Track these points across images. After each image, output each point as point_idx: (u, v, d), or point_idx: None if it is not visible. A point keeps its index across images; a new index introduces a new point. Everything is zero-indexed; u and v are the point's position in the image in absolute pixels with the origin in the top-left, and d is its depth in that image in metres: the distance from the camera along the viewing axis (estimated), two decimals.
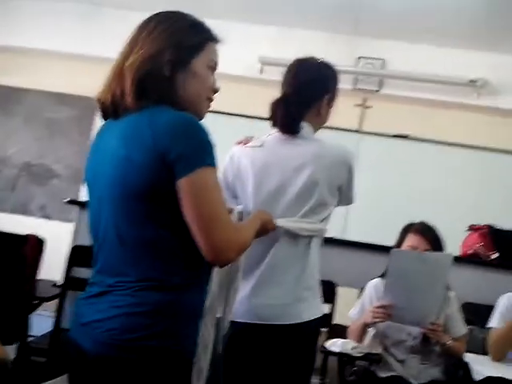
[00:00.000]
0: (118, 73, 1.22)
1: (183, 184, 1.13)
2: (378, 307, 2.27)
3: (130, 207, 1.17)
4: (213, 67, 1.29)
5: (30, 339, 2.90)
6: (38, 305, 2.86)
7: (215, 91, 1.31)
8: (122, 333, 1.13)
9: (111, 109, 1.23)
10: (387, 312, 2.24)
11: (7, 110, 4.52)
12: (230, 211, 1.48)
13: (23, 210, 4.43)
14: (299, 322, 1.62)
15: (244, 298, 1.61)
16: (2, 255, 3.11)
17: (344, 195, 1.73)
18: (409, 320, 2.30)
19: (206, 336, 1.31)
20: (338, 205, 1.74)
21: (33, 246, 3.05)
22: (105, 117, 1.28)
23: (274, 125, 1.71)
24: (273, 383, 1.64)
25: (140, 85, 1.19)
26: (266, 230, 1.52)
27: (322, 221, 1.67)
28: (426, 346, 2.38)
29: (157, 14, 1.28)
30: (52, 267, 3.04)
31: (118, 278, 1.18)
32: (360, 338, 2.37)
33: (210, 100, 1.30)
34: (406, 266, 2.19)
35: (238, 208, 1.61)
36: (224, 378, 1.61)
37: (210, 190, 1.15)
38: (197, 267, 1.21)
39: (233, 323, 1.58)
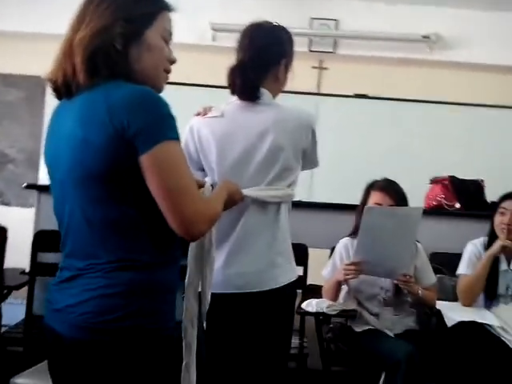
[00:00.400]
0: (68, 50, 1.16)
1: (146, 160, 1.09)
2: (349, 264, 2.31)
3: (91, 188, 1.14)
4: (167, 37, 1.24)
5: (4, 329, 2.85)
6: (8, 294, 2.80)
7: (172, 62, 1.26)
8: (96, 315, 1.11)
9: (64, 88, 1.18)
10: (358, 268, 2.29)
11: None
12: (202, 185, 1.45)
13: None
14: (275, 287, 1.63)
15: (218, 268, 1.60)
16: None
17: (308, 158, 1.73)
18: (381, 273, 2.36)
19: (190, 310, 1.31)
20: (303, 169, 1.74)
21: None
22: (58, 97, 1.22)
23: (233, 92, 1.68)
24: (255, 350, 1.66)
25: (91, 61, 1.14)
26: (233, 201, 1.50)
27: (288, 186, 1.67)
28: (398, 297, 2.46)
29: None
30: (17, 254, 2.95)
31: (88, 260, 1.15)
32: (335, 296, 2.42)
33: (168, 71, 1.26)
34: (378, 222, 2.22)
35: (208, 180, 1.59)
36: (206, 350, 1.63)
37: (175, 164, 1.12)
38: (167, 244, 1.19)
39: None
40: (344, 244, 2.52)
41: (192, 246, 1.37)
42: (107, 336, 1.11)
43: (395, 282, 2.38)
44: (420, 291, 2.37)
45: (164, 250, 1.19)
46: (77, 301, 1.14)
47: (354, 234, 2.49)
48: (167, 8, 1.24)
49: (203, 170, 1.71)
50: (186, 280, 1.34)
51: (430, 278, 2.50)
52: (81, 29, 1.16)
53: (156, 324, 1.16)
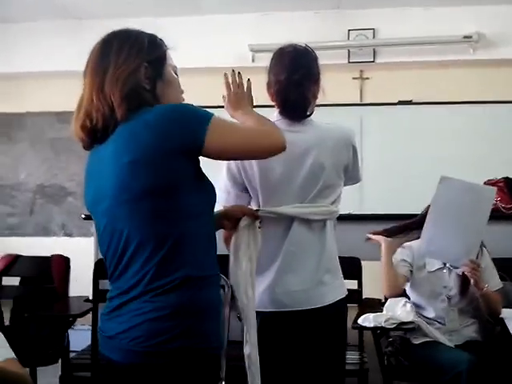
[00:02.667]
0: (99, 93, 1.25)
1: (208, 143, 1.22)
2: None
3: (140, 208, 1.19)
4: (176, 72, 1.40)
5: (72, 355, 2.97)
6: (73, 321, 2.92)
7: (181, 93, 1.41)
8: (147, 339, 1.17)
9: (102, 130, 1.25)
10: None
11: (11, 137, 4.56)
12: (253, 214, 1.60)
13: (45, 231, 4.49)
14: (323, 305, 1.64)
15: (267, 288, 1.64)
16: (32, 278, 3.18)
17: (350, 175, 1.74)
18: (448, 257, 2.25)
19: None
20: (346, 184, 1.75)
21: (59, 266, 3.12)
22: (91, 144, 1.30)
23: (282, 110, 1.69)
24: (307, 368, 1.67)
25: (128, 98, 1.24)
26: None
27: (332, 203, 1.69)
28: (463, 296, 2.36)
29: (112, 33, 1.33)
30: (82, 283, 3.08)
31: (135, 288, 1.21)
32: (392, 278, 2.38)
33: (182, 101, 1.40)
34: (453, 194, 2.13)
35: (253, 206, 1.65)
36: (261, 369, 1.65)
37: (229, 125, 1.31)
38: (207, 262, 1.25)
39: (259, 313, 1.61)
40: (400, 250, 2.46)
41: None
42: (159, 358, 1.17)
43: (462, 268, 2.25)
44: (487, 286, 2.26)
45: (205, 269, 1.24)
46: (127, 327, 1.19)
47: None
48: (168, 47, 1.39)
49: (247, 191, 1.73)
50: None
51: (496, 281, 2.40)
52: (109, 73, 1.26)
53: (203, 344, 1.21)
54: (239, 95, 1.58)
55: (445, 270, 2.41)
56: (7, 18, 4.24)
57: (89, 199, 1.33)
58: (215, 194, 1.33)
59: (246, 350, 1.57)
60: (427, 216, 2.25)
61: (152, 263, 1.19)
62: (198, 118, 1.24)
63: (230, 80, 1.60)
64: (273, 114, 1.73)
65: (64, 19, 4.25)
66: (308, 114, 1.69)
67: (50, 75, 4.30)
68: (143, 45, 1.30)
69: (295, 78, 1.66)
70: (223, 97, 1.61)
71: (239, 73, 1.60)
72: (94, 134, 1.27)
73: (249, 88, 1.61)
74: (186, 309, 1.19)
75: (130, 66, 1.27)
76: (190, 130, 1.21)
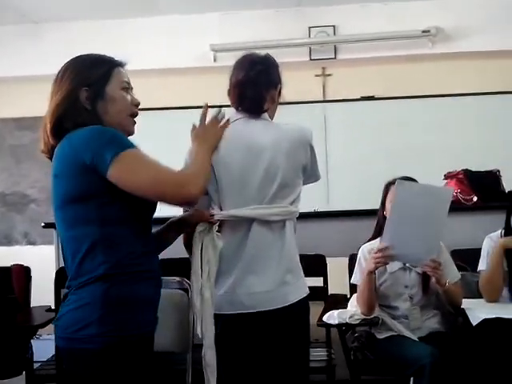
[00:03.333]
0: (44, 124, 1.41)
1: (112, 175, 1.30)
2: (378, 251, 2.24)
3: (63, 214, 1.36)
4: (126, 87, 1.46)
5: (36, 365, 2.91)
6: (35, 332, 2.86)
7: (137, 105, 1.48)
8: (69, 326, 1.34)
9: (51, 149, 1.42)
10: (387, 254, 2.21)
11: None
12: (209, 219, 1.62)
13: (8, 240, 4.40)
14: (285, 305, 1.63)
15: (228, 290, 1.63)
16: None
17: (309, 173, 1.74)
18: (409, 258, 2.27)
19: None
20: (305, 183, 1.75)
21: (19, 276, 3.05)
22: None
23: (239, 106, 1.71)
24: (272, 369, 1.66)
25: (59, 123, 1.38)
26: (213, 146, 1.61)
27: (291, 203, 1.68)
28: (425, 294, 2.39)
29: (69, 60, 1.47)
30: (44, 292, 3.02)
31: (68, 281, 1.38)
32: (370, 298, 2.30)
33: (134, 115, 1.47)
34: (409, 197, 2.14)
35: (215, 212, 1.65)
36: (223, 372, 1.64)
37: (137, 162, 1.33)
38: (127, 261, 1.35)
39: (220, 316, 1.61)
40: (368, 249, 2.46)
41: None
42: (79, 343, 1.32)
43: (423, 268, 2.28)
44: (448, 281, 2.29)
45: (123, 264, 1.35)
46: (59, 315, 1.38)
47: (373, 238, 2.46)
48: (118, 64, 1.47)
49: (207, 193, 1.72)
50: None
51: (455, 274, 2.42)
52: (49, 104, 1.41)
53: (119, 331, 1.33)
54: (207, 131, 1.61)
55: (405, 270, 2.43)
56: None
57: None
58: (146, 205, 1.40)
59: (203, 351, 1.58)
60: (386, 220, 2.26)
61: (76, 261, 1.35)
62: (111, 144, 1.31)
63: (208, 115, 1.64)
64: (231, 114, 1.73)
65: (22, 23, 4.17)
66: (264, 109, 1.70)
67: (7, 80, 4.20)
68: (83, 69, 1.42)
69: (251, 74, 1.68)
70: (193, 125, 1.64)
71: (221, 111, 1.65)
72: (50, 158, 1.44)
73: (222, 128, 1.64)
74: (101, 299, 1.32)
75: (66, 90, 1.39)
76: (99, 153, 1.30)
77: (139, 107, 1.50)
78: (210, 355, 1.58)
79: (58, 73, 1.45)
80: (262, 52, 1.80)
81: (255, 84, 1.68)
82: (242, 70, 1.71)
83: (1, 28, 4.20)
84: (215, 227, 1.61)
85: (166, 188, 1.33)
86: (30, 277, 3.09)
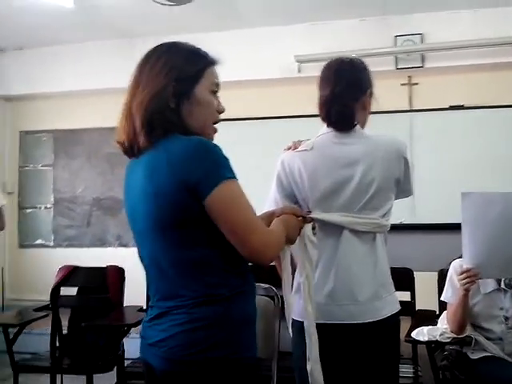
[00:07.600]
0: (128, 114, 1.28)
1: (210, 202, 1.20)
2: (462, 273, 2.16)
3: (167, 236, 1.25)
4: (215, 90, 1.36)
5: (127, 363, 3.06)
6: (127, 330, 3.01)
7: (220, 112, 1.37)
8: (183, 349, 1.23)
9: (129, 149, 1.31)
10: (473, 273, 2.12)
11: (69, 152, 4.78)
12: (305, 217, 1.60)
13: (102, 242, 4.67)
14: (378, 319, 1.63)
15: (323, 299, 1.64)
16: (88, 288, 3.31)
17: (402, 187, 1.72)
18: (498, 273, 2.17)
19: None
20: (397, 198, 1.72)
21: (114, 276, 3.22)
22: (128, 156, 1.36)
23: (327, 122, 1.71)
24: (360, 381, 1.65)
25: (149, 123, 1.25)
26: (294, 236, 1.52)
27: (383, 216, 1.67)
28: None
29: (156, 47, 1.34)
30: (137, 293, 3.17)
31: (173, 299, 1.27)
32: (462, 318, 2.23)
33: (216, 122, 1.37)
34: (480, 209, 2.02)
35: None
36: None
37: (237, 199, 1.23)
38: (241, 276, 1.29)
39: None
40: (460, 264, 2.36)
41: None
42: (195, 367, 1.22)
43: None
44: None
45: (239, 283, 1.29)
46: (166, 336, 1.26)
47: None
48: (212, 63, 1.35)
49: (290, 197, 1.75)
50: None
51: None
52: (137, 93, 1.28)
53: (237, 354, 1.26)
54: (291, 223, 1.51)
55: (500, 291, 2.32)
56: (59, 41, 4.47)
57: (128, 212, 1.38)
58: None
59: (308, 366, 1.59)
60: (462, 237, 2.14)
61: (187, 282, 1.26)
62: (219, 168, 1.22)
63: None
64: (322, 129, 1.75)
65: (115, 38, 4.43)
66: (354, 123, 1.69)
67: (105, 92, 4.44)
68: (178, 61, 1.30)
69: (337, 90, 1.68)
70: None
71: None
72: (126, 151, 1.33)
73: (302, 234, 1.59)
74: (220, 321, 1.24)
75: (157, 85, 1.27)
76: (204, 175, 1.20)
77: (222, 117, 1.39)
78: (316, 370, 1.58)
79: (148, 57, 1.31)
80: (350, 55, 1.78)
81: (342, 99, 1.67)
82: (328, 84, 1.70)
83: (93, 43, 4.47)
84: (310, 226, 1.61)
85: (252, 237, 1.23)
86: (124, 277, 3.26)
